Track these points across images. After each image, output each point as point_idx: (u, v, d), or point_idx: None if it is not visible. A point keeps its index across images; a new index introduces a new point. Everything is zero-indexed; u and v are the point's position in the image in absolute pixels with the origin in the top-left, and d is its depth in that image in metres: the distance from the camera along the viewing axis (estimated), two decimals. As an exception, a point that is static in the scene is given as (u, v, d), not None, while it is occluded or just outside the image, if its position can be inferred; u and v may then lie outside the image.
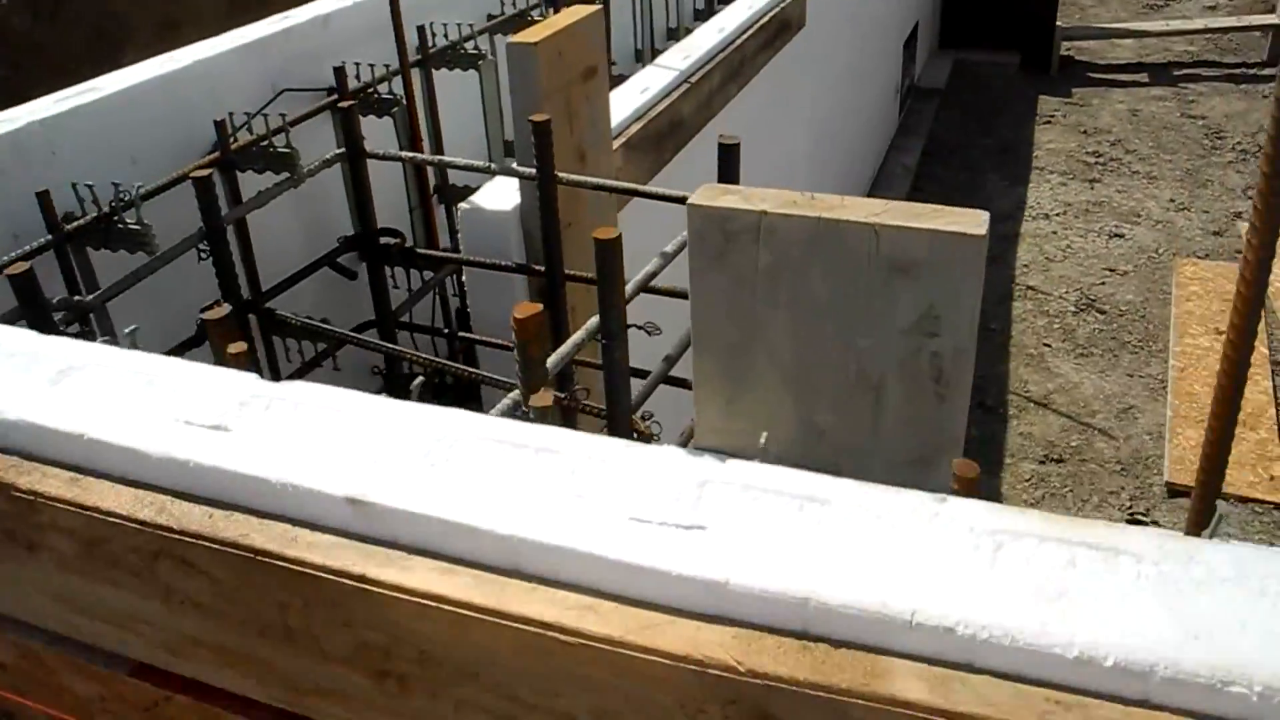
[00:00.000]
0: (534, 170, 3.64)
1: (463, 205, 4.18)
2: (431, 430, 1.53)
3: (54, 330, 2.83)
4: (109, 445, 1.56)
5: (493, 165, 3.75)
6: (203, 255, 3.43)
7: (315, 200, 4.14)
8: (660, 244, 6.10)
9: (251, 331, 3.72)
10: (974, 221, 2.22)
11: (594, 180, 3.66)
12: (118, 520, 1.47)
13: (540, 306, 2.33)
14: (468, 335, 4.23)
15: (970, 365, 2.38)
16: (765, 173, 7.48)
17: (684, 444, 2.73)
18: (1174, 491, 7.88)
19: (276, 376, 4.13)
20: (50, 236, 3.07)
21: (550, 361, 2.59)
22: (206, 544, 1.43)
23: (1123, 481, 8.03)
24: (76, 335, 2.94)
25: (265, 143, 3.74)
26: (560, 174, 3.65)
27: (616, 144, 4.93)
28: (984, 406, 8.89)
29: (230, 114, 3.85)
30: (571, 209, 4.08)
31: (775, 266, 2.37)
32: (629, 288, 2.98)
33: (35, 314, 2.79)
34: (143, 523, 1.46)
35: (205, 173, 3.34)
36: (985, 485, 8.07)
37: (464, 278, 4.32)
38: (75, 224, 3.12)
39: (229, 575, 1.46)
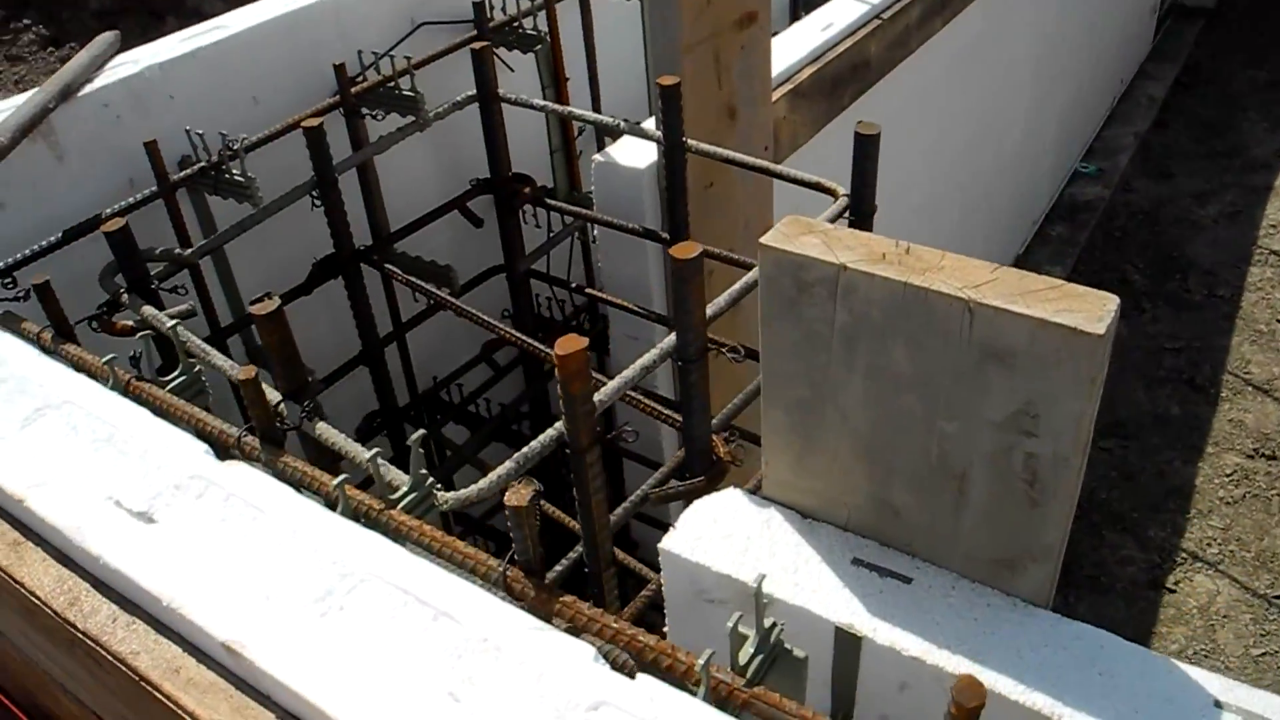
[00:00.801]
0: (660, 134, 3.34)
1: (596, 157, 3.92)
2: (340, 563, 1.35)
3: (151, 290, 2.83)
4: (42, 521, 1.48)
5: (622, 123, 3.45)
6: (316, 204, 3.34)
7: (450, 141, 3.98)
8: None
9: (364, 279, 3.64)
10: (1095, 312, 1.81)
11: (724, 153, 3.32)
12: (38, 604, 1.40)
13: (584, 343, 2.08)
14: (595, 293, 4.03)
15: (1075, 476, 2.00)
16: (971, 112, 6.81)
17: (754, 490, 2.46)
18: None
19: (398, 322, 4.09)
20: (156, 187, 3.04)
21: (599, 397, 2.35)
22: (104, 653, 1.33)
23: (1342, 493, 7.14)
24: (174, 290, 2.93)
25: (391, 84, 3.58)
26: (690, 142, 3.34)
27: (781, 91, 4.51)
28: (1193, 384, 8.05)
29: (360, 52, 3.70)
30: (716, 168, 3.75)
31: (853, 329, 2.03)
32: (723, 300, 2.69)
33: (132, 270, 2.78)
34: (56, 612, 1.38)
35: (315, 123, 3.21)
36: (1179, 474, 7.34)
37: (595, 232, 4.10)
38: (179, 175, 3.08)
39: (123, 689, 1.36)
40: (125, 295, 2.83)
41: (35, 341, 2.38)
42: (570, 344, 2.12)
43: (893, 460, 2.17)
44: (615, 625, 1.56)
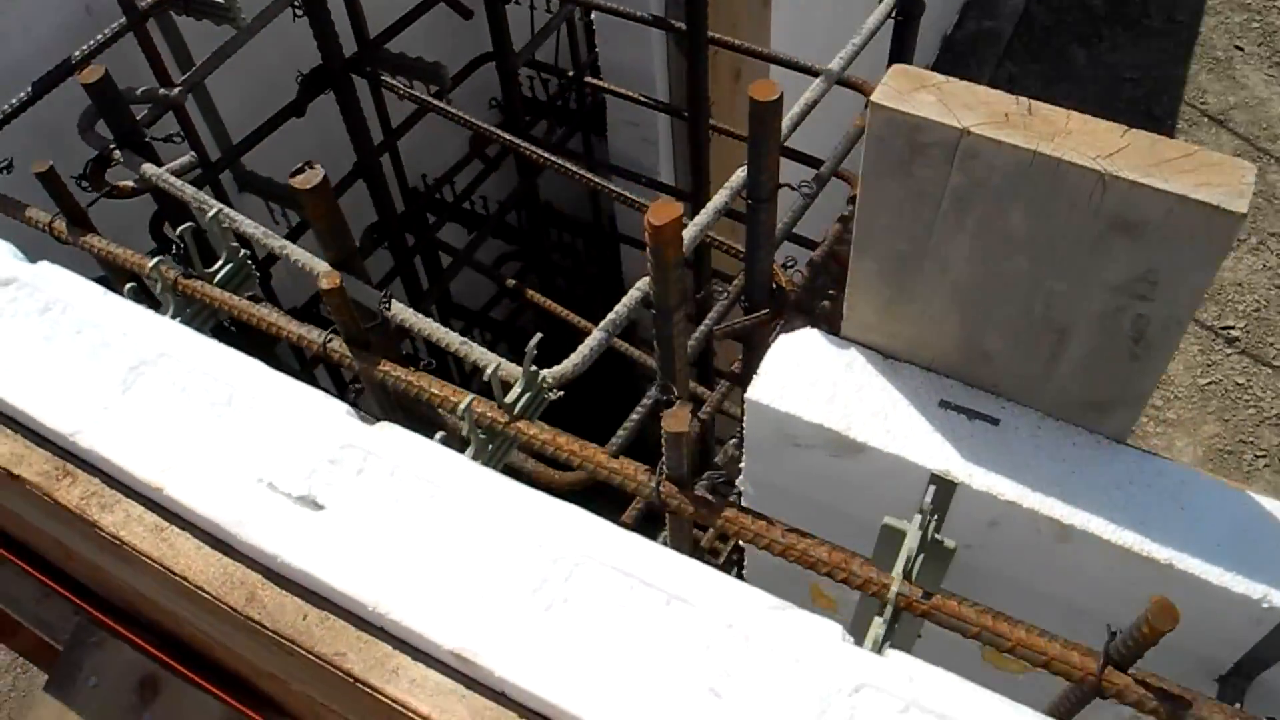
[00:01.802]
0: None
1: (597, -65, 3.59)
2: (546, 546, 1.29)
3: (144, 144, 2.55)
4: (192, 511, 1.37)
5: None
6: (298, 14, 3.02)
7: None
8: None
9: (356, 92, 3.35)
10: (1234, 186, 1.76)
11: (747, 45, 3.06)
12: (208, 597, 1.32)
13: (679, 211, 1.98)
14: (595, 82, 3.80)
15: (1181, 333, 2.01)
16: None
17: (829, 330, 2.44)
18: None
19: (388, 130, 3.83)
20: (124, 19, 2.68)
21: (688, 236, 2.26)
22: (305, 653, 1.27)
23: (1285, 223, 7.37)
24: (167, 139, 2.65)
25: None
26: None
27: None
28: (1150, 115, 8.06)
29: None
30: None
31: (968, 191, 1.96)
32: (792, 114, 2.55)
33: (118, 121, 2.50)
34: (234, 609, 1.31)
35: (297, -78, 2.85)
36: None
37: (593, 17, 3.81)
38: (148, 2, 2.72)
39: (334, 688, 1.31)
40: (116, 151, 2.58)
41: (50, 232, 2.17)
42: (665, 212, 2.01)
43: (991, 312, 2.15)
44: (783, 540, 1.57)
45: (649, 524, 2.66)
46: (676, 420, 1.54)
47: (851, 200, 3.34)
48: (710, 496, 1.79)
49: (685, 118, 3.65)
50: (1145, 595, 2.22)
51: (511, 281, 3.79)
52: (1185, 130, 7.93)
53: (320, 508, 1.34)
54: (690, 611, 1.20)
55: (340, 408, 1.48)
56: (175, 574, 1.35)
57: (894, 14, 2.86)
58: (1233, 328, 6.88)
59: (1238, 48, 8.44)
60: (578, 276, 4.97)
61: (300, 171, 2.12)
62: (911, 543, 1.65)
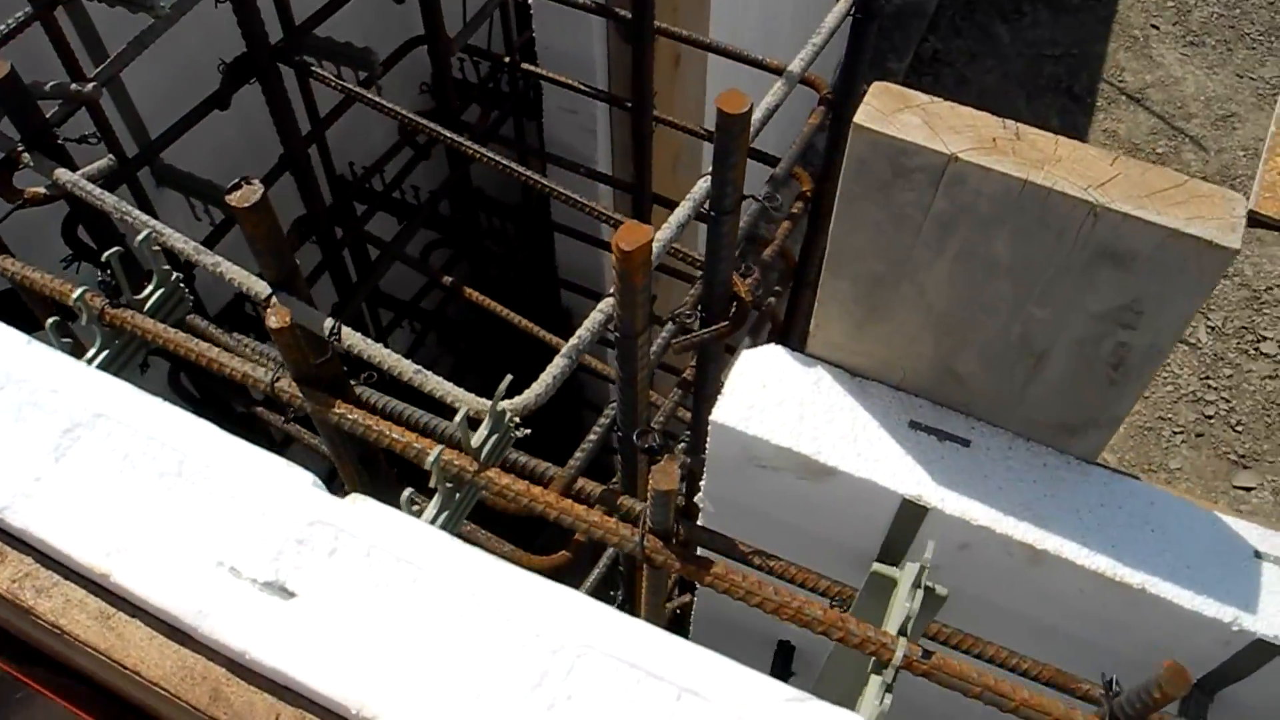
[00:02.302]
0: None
1: (535, -88, 3.43)
2: (543, 635, 1.18)
3: (56, 145, 2.33)
4: (144, 600, 1.22)
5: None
6: (220, 0, 2.81)
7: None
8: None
9: (285, 81, 3.14)
10: (1226, 219, 1.72)
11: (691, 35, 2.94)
12: (165, 694, 1.18)
13: (649, 235, 1.87)
14: (533, 69, 3.65)
15: (1162, 360, 1.97)
16: None
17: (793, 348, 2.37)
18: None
19: (315, 120, 3.62)
20: (30, 8, 2.44)
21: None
22: None
23: (1203, 200, 7.51)
24: (81, 140, 2.43)
25: None
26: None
27: None
28: (1071, 93, 8.15)
29: None
30: None
31: (952, 217, 1.89)
32: (761, 107, 2.46)
33: (26, 121, 2.28)
34: (194, 707, 1.17)
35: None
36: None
37: (530, 1, 3.65)
38: None
39: None
40: (24, 153, 2.37)
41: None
42: (633, 236, 1.91)
43: (968, 335, 2.10)
44: (776, 598, 1.49)
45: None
46: (665, 477, 1.44)
47: (801, 199, 3.27)
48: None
49: (628, 108, 3.53)
50: (1118, 618, 2.21)
51: (448, 279, 3.64)
52: (1104, 108, 8.03)
53: (291, 595, 1.22)
54: (703, 706, 1.11)
55: (306, 478, 1.35)
56: (126, 668, 1.21)
57: (853, 11, 2.77)
58: (1150, 305, 7.02)
59: (1154, 26, 8.57)
60: (509, 264, 4.82)
61: (237, 187, 1.96)
62: (909, 600, 1.58)
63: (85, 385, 1.44)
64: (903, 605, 1.61)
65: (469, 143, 3.05)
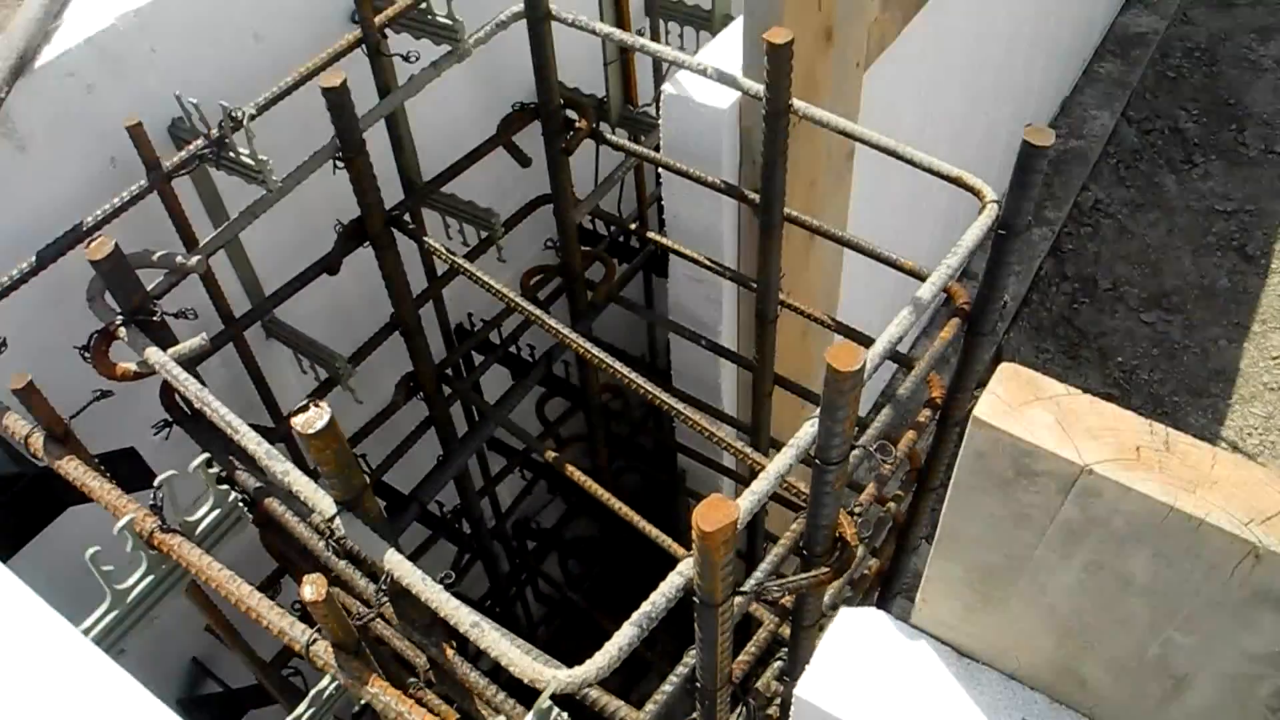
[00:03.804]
0: (763, 90, 2.79)
1: (666, 88, 3.33)
2: None
3: (154, 320, 2.31)
4: None
5: (710, 69, 2.88)
6: (338, 167, 2.79)
7: (487, 60, 3.35)
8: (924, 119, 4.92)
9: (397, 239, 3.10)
10: None
11: (840, 123, 2.77)
12: None
13: (734, 516, 1.68)
14: (659, 239, 3.53)
15: (1336, 715, 1.66)
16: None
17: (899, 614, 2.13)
18: None
19: (432, 277, 3.59)
20: (146, 180, 2.46)
21: (744, 508, 1.99)
22: None
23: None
24: (179, 315, 2.41)
25: (422, 7, 2.93)
26: (799, 105, 2.78)
27: (876, -12, 3.87)
28: (1244, 253, 7.64)
29: (384, -41, 3.02)
30: (800, 83, 3.20)
31: (1082, 527, 1.64)
32: (874, 354, 2.27)
33: (126, 297, 2.27)
34: None
35: (336, 80, 2.60)
36: (1224, 354, 7.06)
37: (659, 172, 3.56)
38: (173, 164, 2.49)
39: None
40: (121, 328, 2.35)
41: (24, 449, 1.93)
42: (715, 514, 1.73)
43: (1094, 643, 1.82)
44: None
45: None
46: None
47: (929, 405, 3.03)
48: None
49: (753, 288, 3.37)
50: None
51: (551, 455, 3.50)
52: (1280, 271, 7.49)
53: None
54: None
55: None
56: None
57: (995, 228, 2.56)
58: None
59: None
60: (625, 419, 4.69)
61: (304, 409, 1.87)
62: None
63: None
64: None
65: (575, 335, 2.92)
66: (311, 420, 1.84)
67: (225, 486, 1.94)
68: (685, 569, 2.01)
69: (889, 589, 3.73)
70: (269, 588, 3.58)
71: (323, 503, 2.06)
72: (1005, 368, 1.68)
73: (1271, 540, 1.47)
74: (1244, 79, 8.90)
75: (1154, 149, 8.44)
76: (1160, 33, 9.27)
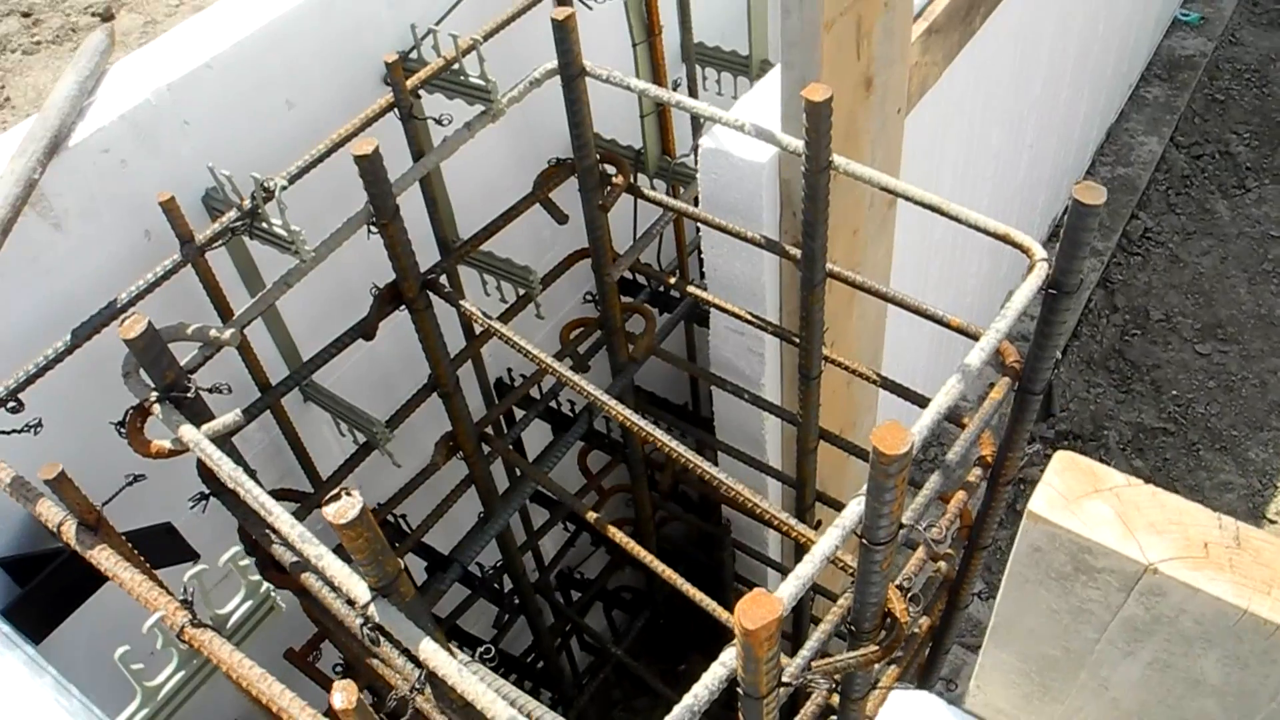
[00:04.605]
0: (802, 147, 2.73)
1: (704, 141, 3.28)
2: None
3: (188, 397, 2.29)
4: None
5: (748, 125, 2.83)
6: (372, 233, 2.77)
7: (522, 117, 3.32)
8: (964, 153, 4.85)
9: (432, 298, 3.07)
10: None
11: (882, 179, 2.71)
12: None
13: (777, 611, 1.62)
14: (698, 293, 3.48)
15: None
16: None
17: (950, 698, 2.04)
18: None
19: (470, 335, 3.57)
20: (181, 254, 2.45)
21: (787, 596, 1.93)
22: None
23: None
24: (213, 390, 2.40)
25: (454, 69, 2.91)
26: (840, 161, 2.72)
27: (916, 32, 3.80)
28: (1301, 280, 7.43)
29: (413, 26, 3.00)
30: (840, 133, 3.15)
31: (1147, 625, 1.55)
32: (921, 428, 2.19)
33: (159, 373, 2.25)
34: None
35: (369, 147, 2.58)
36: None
37: (700, 226, 3.51)
38: (206, 237, 2.47)
39: None
40: (156, 404, 2.33)
41: (55, 537, 1.92)
42: (760, 611, 1.66)
43: (1162, 740, 1.72)
44: None
45: None
46: None
47: (980, 464, 2.94)
48: None
49: (796, 343, 3.30)
50: None
51: (592, 516, 3.44)
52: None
53: None
54: None
55: None
56: None
57: (1044, 287, 2.48)
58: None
59: None
60: (668, 469, 4.63)
61: (336, 497, 1.83)
62: None
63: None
64: None
65: (612, 401, 2.84)
66: (344, 510, 1.81)
67: (257, 578, 1.90)
68: (728, 660, 1.94)
69: (939, 645, 3.62)
70: (310, 649, 3.55)
71: (357, 589, 2.02)
72: (1062, 456, 1.60)
73: (1354, 647, 1.37)
74: (1297, 100, 8.70)
75: (1204, 174, 8.26)
76: (1208, 55, 9.10)
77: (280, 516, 2.19)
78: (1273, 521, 6.27)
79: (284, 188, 2.54)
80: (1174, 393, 6.94)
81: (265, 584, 1.93)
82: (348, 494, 1.85)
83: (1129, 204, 7.93)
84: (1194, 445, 6.65)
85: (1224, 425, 6.74)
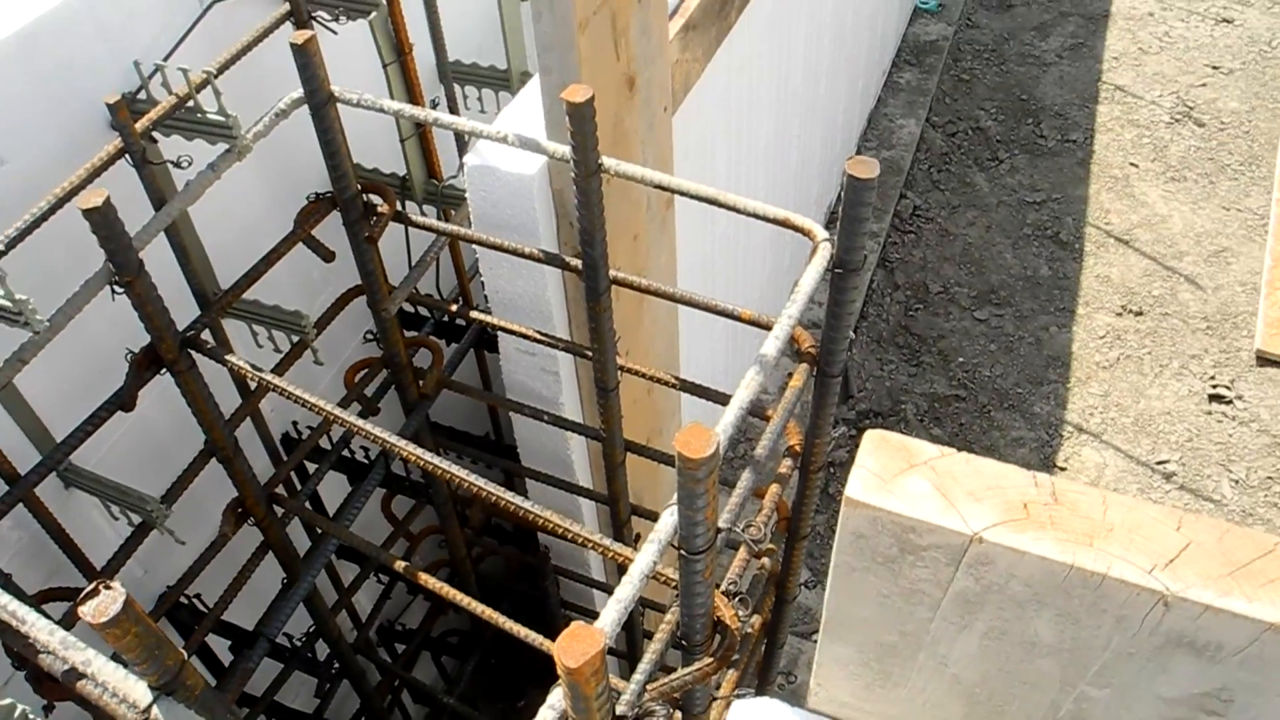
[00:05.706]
0: (569, 152, 2.62)
1: (469, 158, 3.13)
2: None
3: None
4: None
5: (511, 136, 2.70)
6: (117, 293, 2.50)
7: (271, 150, 3.09)
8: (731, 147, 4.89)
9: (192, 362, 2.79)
10: (1336, 607, 1.33)
11: (658, 177, 2.64)
12: None
13: (599, 646, 1.48)
14: (484, 318, 3.32)
15: (1263, 750, 1.56)
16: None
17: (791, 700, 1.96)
18: (1264, 360, 7.07)
19: (244, 391, 3.30)
20: None
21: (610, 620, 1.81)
22: None
23: (1207, 343, 7.21)
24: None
25: (190, 105, 2.67)
26: (610, 163, 2.63)
27: (674, 30, 3.77)
28: (1058, 239, 7.92)
29: (137, 63, 2.72)
30: (608, 136, 3.08)
31: (978, 596, 1.50)
32: (725, 426, 2.10)
33: None
34: None
35: (98, 199, 2.32)
36: (1056, 340, 7.27)
37: (475, 249, 3.35)
38: None
39: None
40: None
41: None
42: (580, 647, 1.54)
43: (1005, 707, 1.69)
44: None
45: None
46: None
47: (789, 454, 2.90)
48: None
49: (589, 357, 3.18)
50: None
51: (401, 564, 3.22)
52: (1094, 252, 7.78)
53: None
54: None
55: None
56: None
57: (830, 269, 2.45)
58: (1168, 461, 6.63)
59: (1133, 165, 8.39)
60: (478, 505, 4.43)
61: (93, 593, 1.60)
62: None
63: None
64: None
65: (405, 444, 2.65)
66: (103, 608, 1.59)
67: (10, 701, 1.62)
68: (556, 702, 1.80)
69: (774, 642, 3.58)
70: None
71: (135, 691, 1.78)
72: (872, 435, 1.54)
73: (1178, 585, 1.35)
74: (1032, 74, 9.29)
75: (961, 150, 8.70)
76: (950, 38, 9.61)
77: (36, 624, 1.92)
78: (1063, 469, 6.61)
79: (1, 254, 2.24)
80: (960, 360, 7.24)
81: (20, 707, 1.65)
82: (106, 587, 1.61)
83: (897, 184, 8.26)
84: (985, 407, 6.96)
85: (1009, 385, 7.08)
